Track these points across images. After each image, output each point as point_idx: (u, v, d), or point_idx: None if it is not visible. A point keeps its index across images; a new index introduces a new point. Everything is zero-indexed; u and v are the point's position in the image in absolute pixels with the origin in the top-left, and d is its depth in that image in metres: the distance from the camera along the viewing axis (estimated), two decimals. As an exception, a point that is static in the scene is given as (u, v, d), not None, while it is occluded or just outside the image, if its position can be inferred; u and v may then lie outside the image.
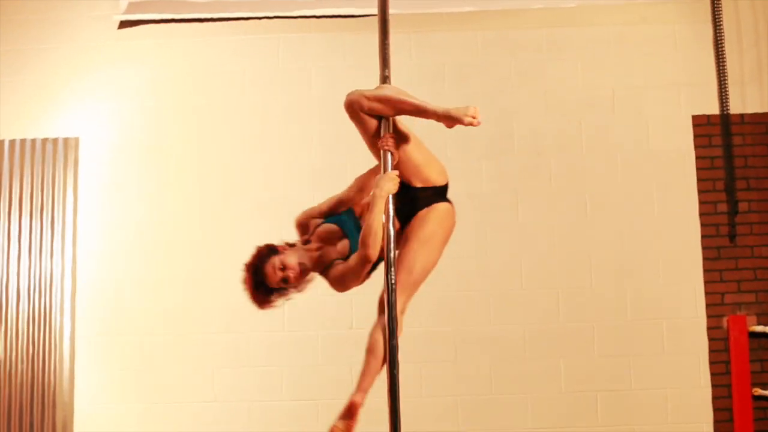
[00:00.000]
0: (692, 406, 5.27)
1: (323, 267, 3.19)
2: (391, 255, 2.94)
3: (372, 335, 3.04)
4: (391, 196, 3.01)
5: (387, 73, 3.13)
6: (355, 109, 3.07)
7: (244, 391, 5.32)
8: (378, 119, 3.08)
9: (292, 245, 3.24)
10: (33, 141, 5.51)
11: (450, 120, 3.07)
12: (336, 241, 3.21)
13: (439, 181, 3.22)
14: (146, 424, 5.28)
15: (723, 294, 5.36)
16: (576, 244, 5.42)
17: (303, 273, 3.15)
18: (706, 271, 5.38)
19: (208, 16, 5.62)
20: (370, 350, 3.03)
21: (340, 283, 3.16)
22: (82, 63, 5.63)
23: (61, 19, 5.67)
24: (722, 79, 5.46)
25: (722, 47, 5.47)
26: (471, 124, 3.05)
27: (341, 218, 3.26)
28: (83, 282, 5.42)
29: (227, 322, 5.34)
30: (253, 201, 5.44)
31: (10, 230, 5.43)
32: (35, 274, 5.39)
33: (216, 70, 5.63)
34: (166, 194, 5.51)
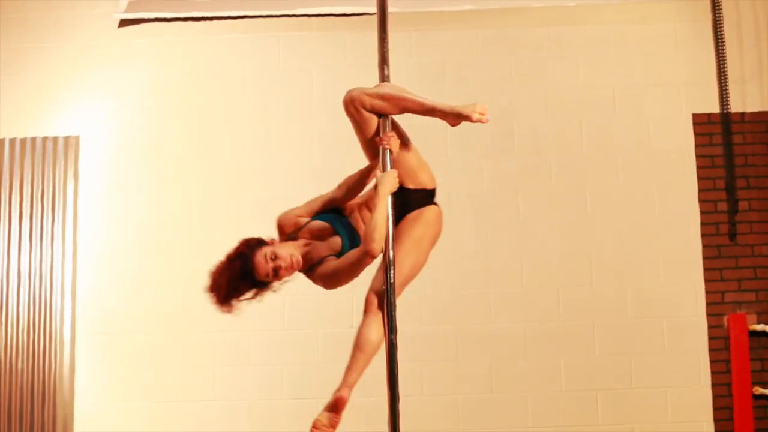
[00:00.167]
0: (692, 405, 5.27)
1: (309, 264, 3.14)
2: (391, 254, 2.94)
3: (360, 331, 3.03)
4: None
5: (386, 72, 3.11)
6: (356, 106, 3.04)
7: (245, 390, 5.31)
8: (377, 118, 3.06)
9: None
10: (33, 140, 5.51)
11: (457, 117, 3.05)
12: (327, 238, 3.18)
13: (429, 185, 3.21)
14: (147, 423, 5.27)
15: (723, 293, 5.36)
16: (576, 242, 5.41)
17: (294, 265, 3.06)
18: (706, 269, 5.38)
19: (209, 14, 5.61)
20: (357, 346, 3.02)
21: (333, 280, 3.10)
22: (82, 61, 5.63)
23: (62, 18, 5.67)
24: (722, 77, 5.46)
25: (722, 46, 5.47)
26: (480, 120, 3.04)
27: (331, 216, 3.24)
28: (83, 281, 5.42)
29: (227, 321, 5.28)
30: (253, 201, 5.43)
31: (11, 229, 5.43)
32: (35, 273, 5.39)
33: (216, 69, 5.63)
34: (166, 194, 5.50)
